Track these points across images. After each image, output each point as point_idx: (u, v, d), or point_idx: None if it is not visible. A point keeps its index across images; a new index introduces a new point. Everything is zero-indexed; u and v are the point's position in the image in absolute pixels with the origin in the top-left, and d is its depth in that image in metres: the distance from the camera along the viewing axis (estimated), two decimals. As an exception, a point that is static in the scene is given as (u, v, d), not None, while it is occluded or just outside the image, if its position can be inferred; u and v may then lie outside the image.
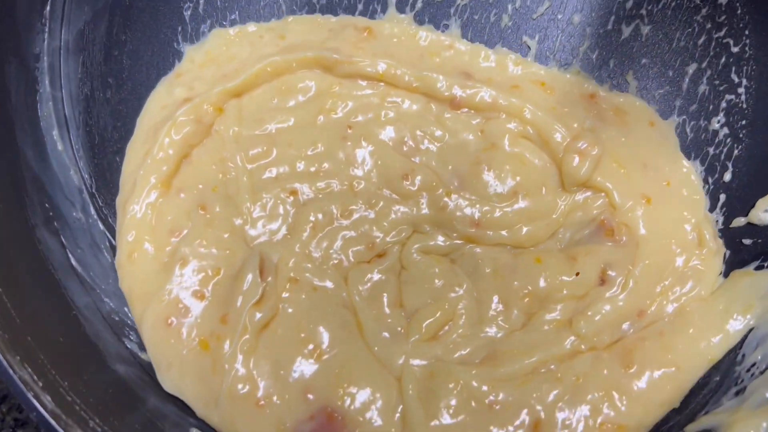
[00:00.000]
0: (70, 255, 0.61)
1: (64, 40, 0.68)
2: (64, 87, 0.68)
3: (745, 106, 0.67)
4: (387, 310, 0.63)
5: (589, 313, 0.61)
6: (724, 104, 0.68)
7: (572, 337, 0.61)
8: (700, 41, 0.69)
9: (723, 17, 0.68)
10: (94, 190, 0.67)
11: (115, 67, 0.71)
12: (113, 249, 0.66)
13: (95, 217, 0.67)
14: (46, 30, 0.66)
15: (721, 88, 0.68)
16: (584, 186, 0.67)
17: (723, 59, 0.68)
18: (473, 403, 0.58)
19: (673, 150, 0.69)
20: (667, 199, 0.66)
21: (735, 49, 0.67)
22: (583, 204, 0.67)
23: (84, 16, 0.69)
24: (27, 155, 0.62)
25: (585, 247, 0.64)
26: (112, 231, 0.67)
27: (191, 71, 0.74)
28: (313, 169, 0.69)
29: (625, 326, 0.62)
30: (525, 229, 0.67)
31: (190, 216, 0.65)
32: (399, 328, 0.62)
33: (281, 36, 0.75)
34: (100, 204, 0.68)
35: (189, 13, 0.74)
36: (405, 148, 0.70)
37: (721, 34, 0.68)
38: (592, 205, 0.67)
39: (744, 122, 0.67)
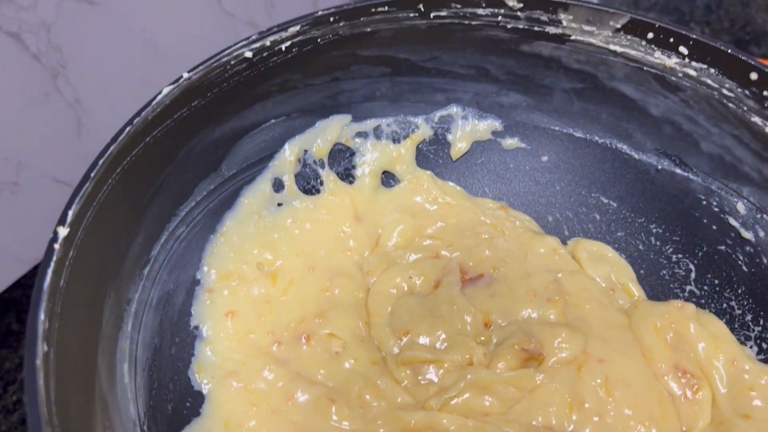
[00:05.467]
0: (118, 477, 0.56)
1: (151, 297, 0.75)
2: (141, 333, 0.72)
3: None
4: None
5: None
6: None
7: None
8: None
9: None
10: (145, 428, 0.65)
11: (182, 329, 0.77)
12: (156, 488, 0.60)
13: (143, 453, 0.63)
14: (141, 285, 0.74)
15: None
16: None
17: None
18: None
19: None
20: None
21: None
22: None
23: (170, 285, 0.78)
24: (101, 374, 0.62)
25: None
26: (158, 471, 0.62)
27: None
28: None
29: None
30: None
31: None
32: None
33: None
34: (149, 444, 0.64)
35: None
36: None
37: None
38: None
39: None
